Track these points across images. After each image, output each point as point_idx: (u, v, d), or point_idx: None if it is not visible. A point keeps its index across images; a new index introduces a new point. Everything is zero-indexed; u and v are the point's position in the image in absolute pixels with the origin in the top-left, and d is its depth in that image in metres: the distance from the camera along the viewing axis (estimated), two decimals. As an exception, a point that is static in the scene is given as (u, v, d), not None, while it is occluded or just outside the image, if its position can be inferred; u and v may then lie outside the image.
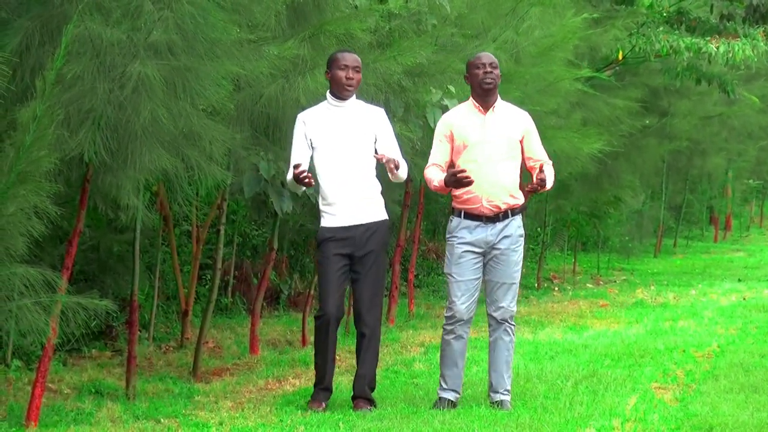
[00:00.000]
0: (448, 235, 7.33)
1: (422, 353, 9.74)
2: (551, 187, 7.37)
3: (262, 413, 7.16)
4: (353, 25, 8.15)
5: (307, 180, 7.01)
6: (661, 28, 16.03)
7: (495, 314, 7.24)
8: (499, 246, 7.19)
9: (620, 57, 15.76)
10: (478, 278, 7.24)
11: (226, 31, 6.49)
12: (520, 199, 7.26)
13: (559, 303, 14.07)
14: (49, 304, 6.10)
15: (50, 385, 7.90)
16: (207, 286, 11.43)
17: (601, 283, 17.30)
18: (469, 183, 7.06)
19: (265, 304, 12.04)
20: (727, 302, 13.91)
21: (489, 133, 7.21)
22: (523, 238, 7.31)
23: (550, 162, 7.40)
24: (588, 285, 16.85)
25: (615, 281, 17.53)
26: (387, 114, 7.44)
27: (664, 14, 16.23)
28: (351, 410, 7.10)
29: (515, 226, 7.24)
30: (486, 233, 7.19)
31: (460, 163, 7.20)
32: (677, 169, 23.32)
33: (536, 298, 14.81)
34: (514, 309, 7.28)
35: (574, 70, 12.50)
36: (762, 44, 15.90)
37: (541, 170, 7.18)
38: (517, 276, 7.27)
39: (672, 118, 19.88)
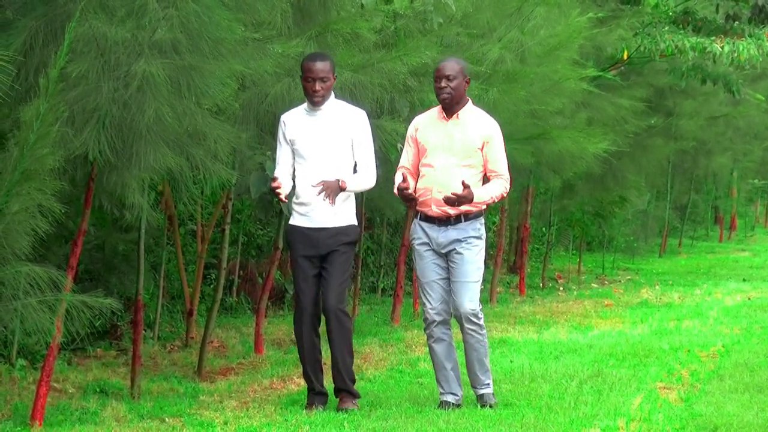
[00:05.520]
0: (410, 238, 7.36)
1: (427, 353, 9.67)
2: (486, 203, 7.17)
3: (267, 413, 7.16)
4: (359, 25, 8.16)
5: (278, 195, 7.06)
6: (666, 28, 16.00)
7: (456, 314, 7.19)
8: (453, 247, 7.13)
9: (625, 57, 15.73)
10: (443, 279, 7.18)
11: (230, 29, 6.49)
12: (475, 207, 7.10)
13: (563, 303, 14.05)
14: (54, 303, 6.10)
15: (55, 384, 7.90)
16: (212, 286, 11.43)
17: (606, 282, 17.28)
18: (412, 201, 7.13)
19: (269, 303, 12.03)
20: (732, 302, 13.88)
21: (448, 140, 7.15)
22: (480, 240, 7.17)
23: (506, 177, 7.20)
24: (593, 285, 16.82)
25: (620, 281, 17.51)
26: (368, 116, 7.35)
27: (670, 14, 16.21)
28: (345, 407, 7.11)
29: (469, 229, 7.12)
30: (438, 235, 7.15)
31: (420, 167, 7.22)
32: (682, 169, 23.28)
33: (541, 297, 14.78)
34: (474, 308, 7.10)
35: (579, 70, 12.48)
36: (767, 44, 15.88)
37: (464, 186, 6.97)
38: (474, 275, 7.13)
39: (677, 118, 19.84)
